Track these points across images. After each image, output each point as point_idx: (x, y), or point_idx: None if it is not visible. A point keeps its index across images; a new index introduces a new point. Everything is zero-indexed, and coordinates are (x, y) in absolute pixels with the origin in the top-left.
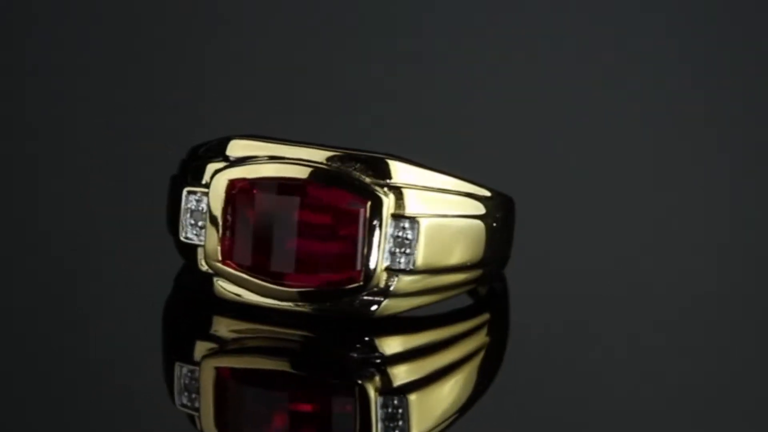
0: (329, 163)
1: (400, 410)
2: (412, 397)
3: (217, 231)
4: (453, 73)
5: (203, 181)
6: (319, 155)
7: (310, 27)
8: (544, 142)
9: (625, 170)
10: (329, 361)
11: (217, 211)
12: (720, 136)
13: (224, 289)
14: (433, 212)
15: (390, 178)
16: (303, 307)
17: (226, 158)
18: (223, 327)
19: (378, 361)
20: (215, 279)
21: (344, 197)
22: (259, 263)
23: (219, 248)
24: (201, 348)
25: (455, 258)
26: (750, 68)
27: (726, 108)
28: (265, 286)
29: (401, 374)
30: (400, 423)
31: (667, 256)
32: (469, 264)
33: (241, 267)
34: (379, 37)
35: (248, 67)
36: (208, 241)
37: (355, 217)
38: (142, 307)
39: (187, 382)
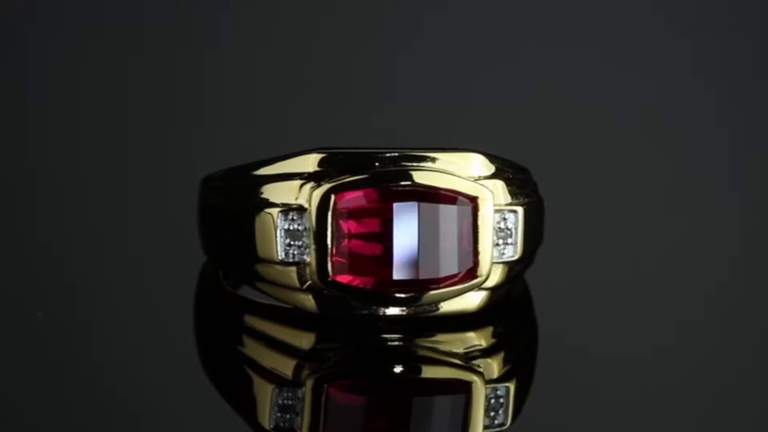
0: (422, 164)
1: (501, 399)
2: (511, 386)
3: (325, 247)
4: (455, 72)
5: (291, 200)
6: (408, 157)
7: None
8: (550, 141)
9: (637, 172)
10: (432, 360)
11: (323, 228)
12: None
13: (324, 304)
14: (519, 200)
15: (479, 171)
16: (413, 311)
17: (307, 174)
18: (307, 342)
19: (478, 353)
20: (311, 296)
21: (453, 196)
22: (376, 274)
23: (329, 264)
24: (289, 365)
25: (538, 242)
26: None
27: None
28: (381, 295)
29: (498, 365)
30: (500, 412)
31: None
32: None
33: (355, 280)
34: (378, 35)
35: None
36: (316, 258)
37: (467, 213)
38: (185, 328)
39: (282, 402)
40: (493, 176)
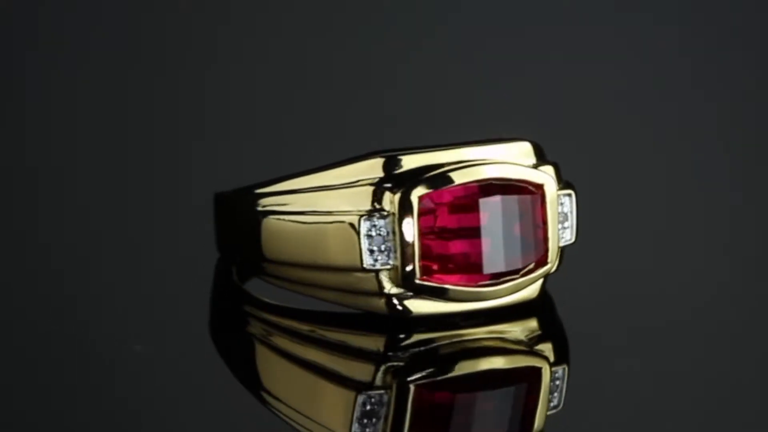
0: (487, 157)
1: (558, 382)
2: (566, 368)
3: (410, 250)
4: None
5: (366, 206)
6: (475, 152)
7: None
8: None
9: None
10: (502, 349)
11: (411, 230)
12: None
13: (418, 306)
14: (564, 183)
15: (532, 159)
16: (493, 303)
17: (377, 179)
18: (380, 344)
19: (537, 338)
20: (404, 300)
21: (524, 185)
22: (465, 271)
23: (416, 266)
24: (367, 370)
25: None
26: None
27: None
28: (470, 293)
29: (550, 349)
30: (555, 394)
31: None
32: None
33: (443, 280)
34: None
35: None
36: (401, 262)
37: (537, 201)
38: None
39: (367, 408)
40: (541, 163)
